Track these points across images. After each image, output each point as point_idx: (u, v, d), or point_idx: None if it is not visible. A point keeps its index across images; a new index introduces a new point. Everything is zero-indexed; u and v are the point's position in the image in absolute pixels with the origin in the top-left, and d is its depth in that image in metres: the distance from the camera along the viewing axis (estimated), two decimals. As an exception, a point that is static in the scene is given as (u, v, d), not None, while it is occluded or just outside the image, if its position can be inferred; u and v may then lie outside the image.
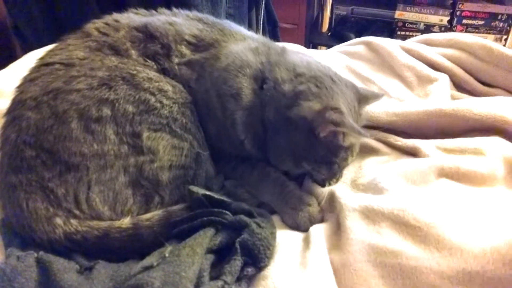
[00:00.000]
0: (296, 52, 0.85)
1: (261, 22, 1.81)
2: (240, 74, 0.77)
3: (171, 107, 0.74)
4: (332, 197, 0.75)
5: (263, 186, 0.79)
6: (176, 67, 0.80)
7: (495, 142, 0.80)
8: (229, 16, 1.66)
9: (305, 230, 0.72)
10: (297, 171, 0.78)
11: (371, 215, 0.66)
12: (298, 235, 0.70)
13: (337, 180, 0.79)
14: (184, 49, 0.82)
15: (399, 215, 0.63)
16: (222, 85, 0.77)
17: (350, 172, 0.85)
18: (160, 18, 0.85)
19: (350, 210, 0.68)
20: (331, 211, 0.75)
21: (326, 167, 0.74)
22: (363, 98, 0.81)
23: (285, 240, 0.68)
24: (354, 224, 0.65)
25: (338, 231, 0.68)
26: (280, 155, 0.76)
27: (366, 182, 0.79)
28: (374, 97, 0.83)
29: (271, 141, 0.76)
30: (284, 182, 0.78)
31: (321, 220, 0.74)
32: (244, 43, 0.83)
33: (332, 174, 0.76)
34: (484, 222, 0.62)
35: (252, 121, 0.77)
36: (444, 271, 0.58)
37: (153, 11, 0.90)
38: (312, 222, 0.73)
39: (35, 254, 0.62)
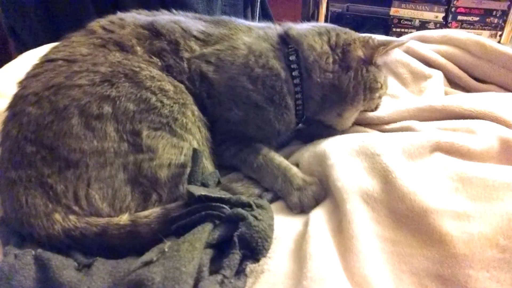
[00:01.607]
0: (298, 25, 0.93)
1: (257, 20, 1.82)
2: (269, 56, 0.84)
3: (172, 106, 0.75)
4: (328, 179, 0.74)
5: (266, 171, 0.81)
6: (185, 63, 0.83)
7: (488, 123, 0.81)
8: (224, 14, 1.66)
9: (310, 208, 0.74)
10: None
11: (370, 202, 0.67)
12: (298, 226, 0.70)
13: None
14: (193, 44, 0.84)
15: (394, 205, 0.65)
16: (256, 68, 0.82)
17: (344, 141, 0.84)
18: (164, 17, 0.88)
19: (349, 194, 0.68)
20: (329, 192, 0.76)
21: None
22: None
23: (285, 232, 0.68)
24: (354, 209, 0.66)
25: (338, 215, 0.69)
26: (332, 107, 0.88)
27: (364, 150, 0.75)
28: None
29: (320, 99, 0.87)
30: (287, 166, 0.81)
31: (325, 198, 0.76)
32: (251, 32, 0.88)
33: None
34: (473, 205, 0.64)
35: (294, 90, 0.86)
36: (435, 257, 0.60)
37: (155, 12, 0.92)
38: (317, 200, 0.75)
39: (33, 252, 0.62)
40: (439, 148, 0.74)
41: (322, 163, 0.77)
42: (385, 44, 0.86)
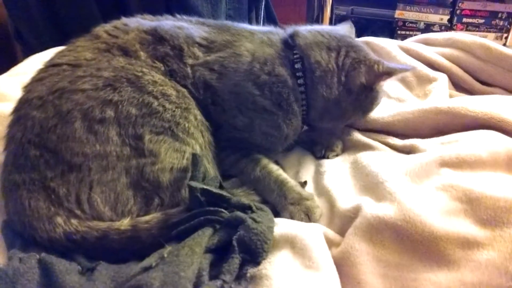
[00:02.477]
0: (306, 31, 0.91)
1: (261, 23, 1.82)
2: (275, 63, 0.83)
3: (174, 111, 0.75)
4: (330, 200, 0.75)
5: (264, 184, 0.81)
6: (189, 68, 0.83)
7: (493, 133, 0.80)
8: (229, 18, 1.67)
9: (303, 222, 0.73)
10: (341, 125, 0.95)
11: (375, 224, 0.65)
12: (300, 231, 0.69)
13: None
14: (197, 51, 0.84)
15: (403, 227, 0.63)
16: (263, 75, 0.82)
17: (345, 163, 0.86)
18: (168, 23, 0.88)
19: (352, 217, 0.68)
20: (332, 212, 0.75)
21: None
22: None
23: (285, 236, 0.67)
24: (358, 234, 0.65)
25: (341, 238, 0.68)
26: (331, 119, 0.89)
27: (369, 181, 0.78)
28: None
29: (323, 110, 0.87)
30: (284, 180, 0.80)
31: (320, 216, 0.75)
32: (254, 38, 0.88)
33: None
34: (482, 231, 0.62)
35: (300, 97, 0.85)
36: (441, 282, 0.59)
37: (159, 17, 0.92)
38: (309, 217, 0.74)
39: (37, 256, 0.62)
40: (445, 163, 0.73)
41: (325, 193, 0.78)
42: (389, 73, 0.84)
